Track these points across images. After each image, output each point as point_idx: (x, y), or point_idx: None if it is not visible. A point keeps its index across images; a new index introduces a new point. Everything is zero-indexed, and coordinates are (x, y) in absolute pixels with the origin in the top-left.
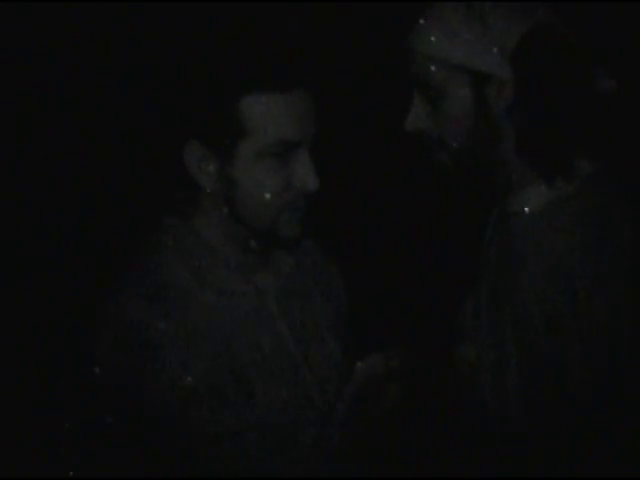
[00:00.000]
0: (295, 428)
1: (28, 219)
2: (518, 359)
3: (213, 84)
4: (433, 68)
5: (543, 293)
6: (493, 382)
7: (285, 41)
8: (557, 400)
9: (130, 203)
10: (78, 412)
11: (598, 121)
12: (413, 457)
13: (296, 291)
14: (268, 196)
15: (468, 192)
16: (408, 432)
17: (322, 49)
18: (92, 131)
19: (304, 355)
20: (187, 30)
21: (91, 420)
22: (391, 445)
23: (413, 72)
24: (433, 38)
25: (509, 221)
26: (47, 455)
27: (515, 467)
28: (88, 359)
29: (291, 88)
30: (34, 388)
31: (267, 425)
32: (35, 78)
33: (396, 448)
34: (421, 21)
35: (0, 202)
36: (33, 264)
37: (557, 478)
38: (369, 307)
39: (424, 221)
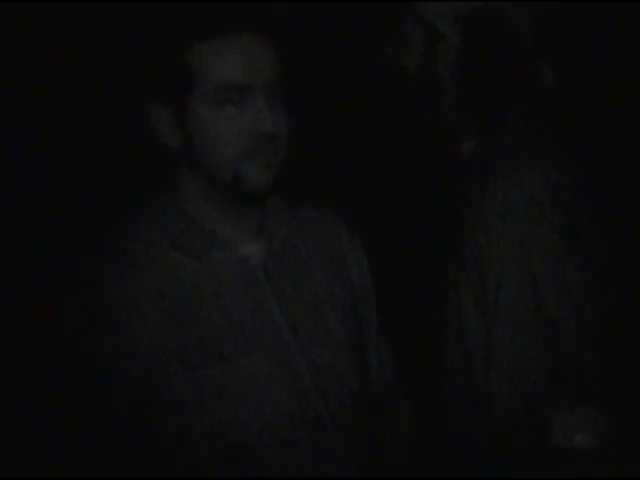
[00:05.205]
0: (272, 396)
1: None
2: None
3: (156, 40)
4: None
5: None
6: None
7: None
8: None
9: (121, 179)
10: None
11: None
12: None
13: (290, 261)
14: (221, 142)
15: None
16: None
17: None
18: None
19: (292, 325)
20: None
21: (52, 394)
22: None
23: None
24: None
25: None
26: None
27: None
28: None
29: (235, 33)
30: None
31: (239, 392)
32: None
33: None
34: None
35: None
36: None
37: None
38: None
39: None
